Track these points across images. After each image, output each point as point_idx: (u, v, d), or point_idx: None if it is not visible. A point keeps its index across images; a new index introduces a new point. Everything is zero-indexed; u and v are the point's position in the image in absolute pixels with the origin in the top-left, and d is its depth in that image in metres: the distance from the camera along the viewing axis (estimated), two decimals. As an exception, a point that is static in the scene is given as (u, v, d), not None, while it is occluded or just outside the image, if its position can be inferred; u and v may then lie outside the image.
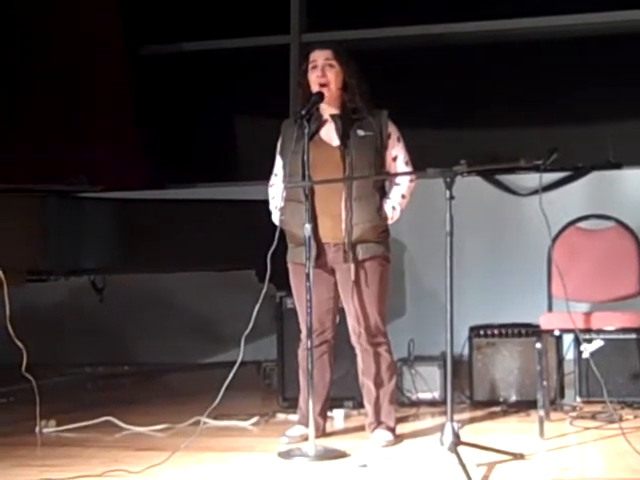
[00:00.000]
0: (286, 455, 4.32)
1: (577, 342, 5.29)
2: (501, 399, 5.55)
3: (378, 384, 4.62)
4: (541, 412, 4.68)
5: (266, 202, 4.78)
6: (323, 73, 4.54)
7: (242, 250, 5.87)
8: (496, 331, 5.63)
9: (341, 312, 4.69)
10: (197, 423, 4.73)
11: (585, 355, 5.09)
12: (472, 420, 5.21)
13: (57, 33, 8.04)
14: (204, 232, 5.88)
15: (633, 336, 5.23)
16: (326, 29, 7.92)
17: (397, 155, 4.63)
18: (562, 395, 5.56)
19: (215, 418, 4.95)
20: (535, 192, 6.67)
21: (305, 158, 4.40)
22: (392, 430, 4.63)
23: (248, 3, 8.30)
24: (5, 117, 7.94)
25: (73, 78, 8.00)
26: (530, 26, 7.80)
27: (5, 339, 4.74)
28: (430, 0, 8.01)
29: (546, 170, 4.67)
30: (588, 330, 4.86)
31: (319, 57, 4.58)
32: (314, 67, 4.57)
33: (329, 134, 4.58)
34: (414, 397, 5.61)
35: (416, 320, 6.88)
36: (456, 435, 3.97)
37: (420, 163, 4.62)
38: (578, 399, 5.51)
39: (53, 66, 8.03)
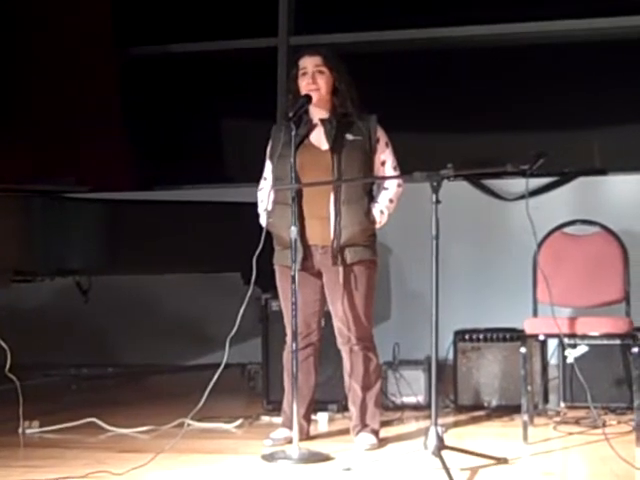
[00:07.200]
0: (270, 458, 4.31)
1: (562, 347, 5.29)
2: (485, 403, 5.55)
3: (364, 386, 4.62)
4: (525, 417, 4.68)
5: (252, 204, 4.77)
6: (313, 80, 4.54)
7: (228, 252, 5.87)
8: (481, 335, 5.63)
9: (326, 315, 4.69)
10: (181, 425, 4.72)
11: (569, 360, 5.08)
12: (456, 424, 5.21)
13: (48, 37, 8.03)
14: (190, 234, 5.88)
15: (617, 342, 5.24)
16: (314, 32, 7.93)
17: (385, 160, 4.62)
18: (546, 400, 5.56)
19: (199, 420, 4.94)
20: (521, 197, 6.70)
21: (292, 161, 4.40)
22: (376, 433, 4.63)
23: (236, 5, 8.30)
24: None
25: (62, 80, 7.99)
26: (518, 31, 7.83)
27: (-11, 339, 4.73)
28: (419, 4, 8.03)
29: (532, 175, 4.69)
30: (573, 335, 4.87)
31: (309, 64, 4.57)
32: (304, 74, 4.57)
33: (319, 138, 4.57)
34: (398, 401, 5.60)
35: (401, 324, 6.89)
36: (440, 439, 3.97)
37: (407, 167, 4.62)
38: (562, 404, 5.51)
39: (42, 67, 8.01)
